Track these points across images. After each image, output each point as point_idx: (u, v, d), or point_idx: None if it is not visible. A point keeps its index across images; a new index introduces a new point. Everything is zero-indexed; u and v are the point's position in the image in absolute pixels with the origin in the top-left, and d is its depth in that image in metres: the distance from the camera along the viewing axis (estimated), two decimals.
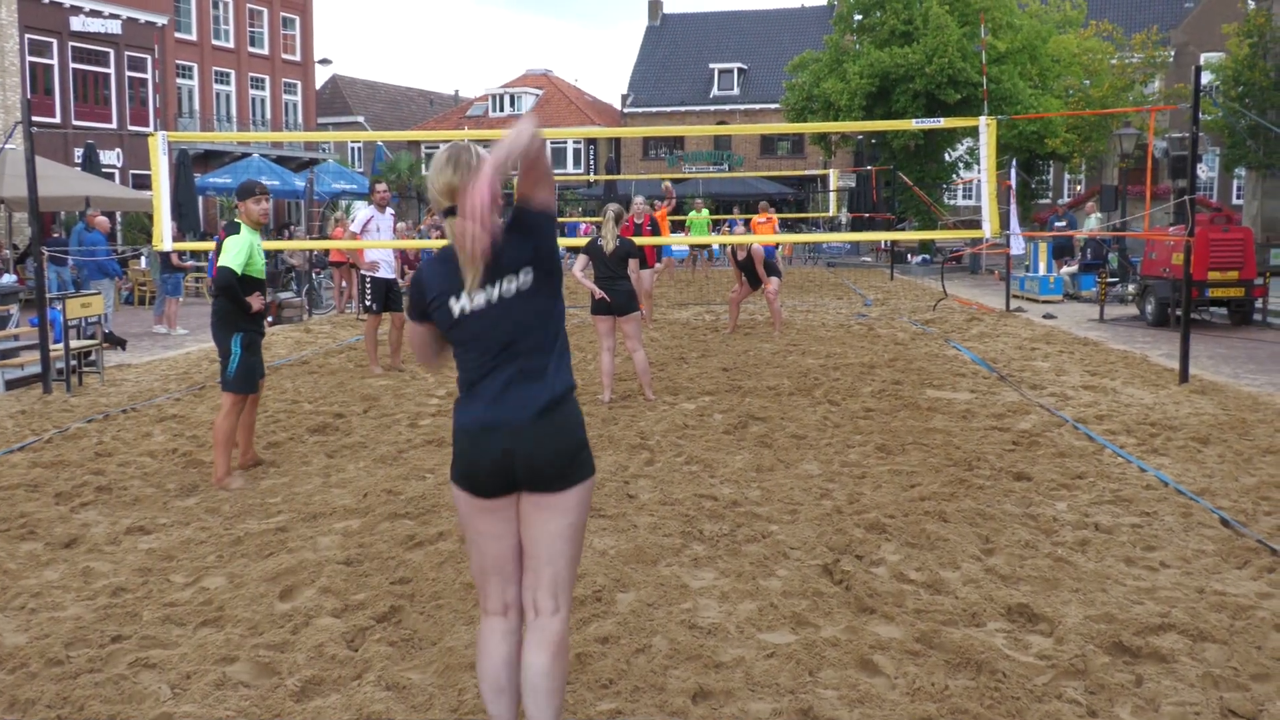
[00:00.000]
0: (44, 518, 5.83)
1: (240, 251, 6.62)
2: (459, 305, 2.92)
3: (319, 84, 50.43)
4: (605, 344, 9.15)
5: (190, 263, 15.56)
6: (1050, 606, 4.38)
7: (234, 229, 6.70)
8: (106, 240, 15.09)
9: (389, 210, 11.53)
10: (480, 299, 2.90)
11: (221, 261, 6.60)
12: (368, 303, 11.35)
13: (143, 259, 20.45)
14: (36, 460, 7.23)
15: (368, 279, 11.40)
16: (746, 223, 29.59)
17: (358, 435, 8.00)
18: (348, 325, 16.05)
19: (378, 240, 11.14)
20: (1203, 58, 37.20)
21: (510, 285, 2.89)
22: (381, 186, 11.54)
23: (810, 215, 41.22)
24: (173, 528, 5.73)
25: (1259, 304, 15.15)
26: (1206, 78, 30.87)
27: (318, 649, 4.02)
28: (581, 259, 9.13)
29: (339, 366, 11.56)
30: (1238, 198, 41.86)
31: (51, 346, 10.17)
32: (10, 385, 10.55)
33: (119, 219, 29.96)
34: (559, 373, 2.95)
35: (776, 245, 12.46)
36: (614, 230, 9.09)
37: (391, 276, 11.50)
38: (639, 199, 14.57)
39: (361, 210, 11.67)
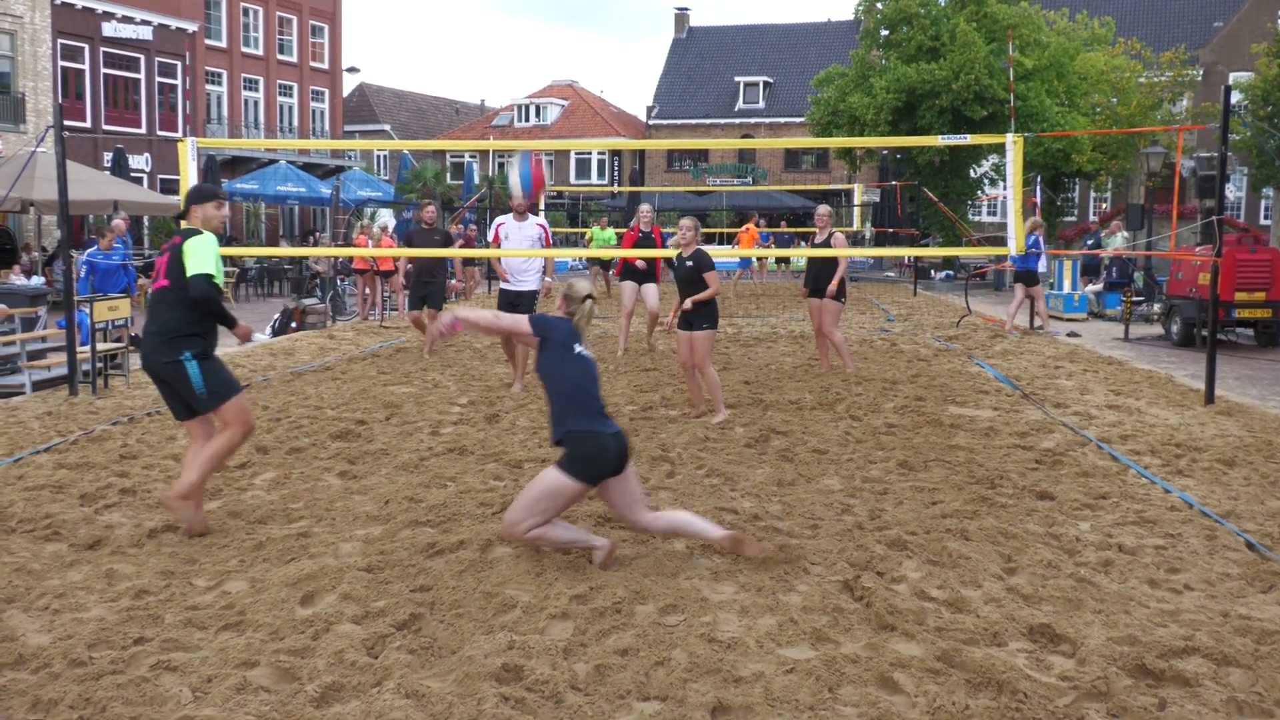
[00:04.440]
0: (69, 519, 5.87)
1: (214, 254, 5.66)
2: None
3: (346, 92, 50.80)
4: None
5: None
6: (1073, 627, 4.35)
7: (192, 234, 5.72)
8: (123, 243, 15.13)
9: (532, 218, 10.56)
10: None
11: (196, 268, 5.57)
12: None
13: None
14: (62, 462, 7.29)
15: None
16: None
17: (380, 442, 8.03)
18: (371, 332, 16.12)
19: (509, 249, 10.44)
20: (1231, 77, 36.98)
21: None
22: (645, 208, 11.06)
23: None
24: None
25: None
26: (1235, 97, 30.68)
27: (338, 655, 4.03)
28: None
29: (361, 373, 11.61)
30: (1266, 218, 41.58)
31: (78, 349, 10.26)
32: (37, 387, 10.65)
33: (145, 223, 30.22)
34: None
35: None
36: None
37: (520, 289, 10.37)
38: (645, 206, 14.55)
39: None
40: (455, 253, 13.11)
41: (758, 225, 26.92)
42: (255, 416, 6.09)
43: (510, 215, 10.54)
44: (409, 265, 14.11)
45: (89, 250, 14.73)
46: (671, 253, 9.47)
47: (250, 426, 5.85)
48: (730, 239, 38.98)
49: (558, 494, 5.03)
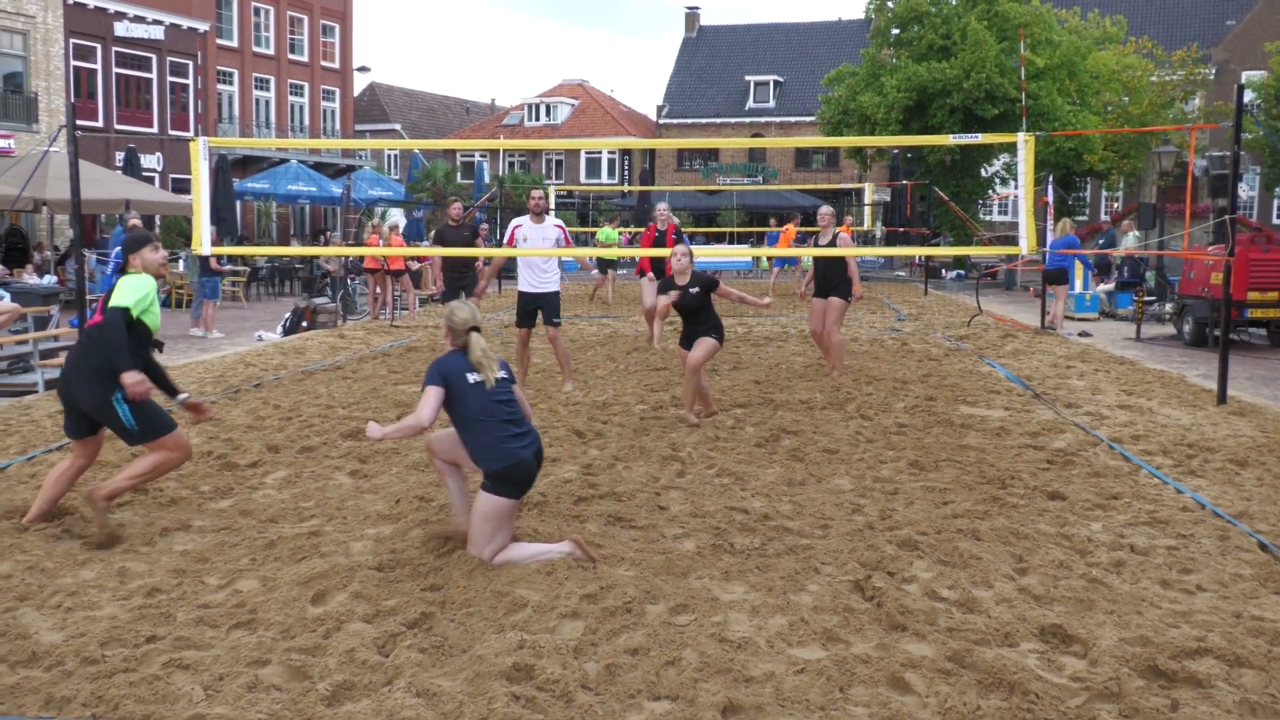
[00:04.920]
0: (81, 517, 5.89)
1: (139, 292, 5.61)
2: None
3: (357, 91, 50.89)
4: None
5: (228, 266, 15.70)
6: (1084, 628, 4.34)
7: (127, 274, 5.73)
8: None
9: (549, 219, 10.51)
10: None
11: (115, 301, 5.53)
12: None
13: (180, 262, 20.67)
14: None
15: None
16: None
17: (389, 442, 8.03)
18: (381, 331, 16.15)
19: (527, 249, 10.32)
20: (1244, 75, 36.86)
21: None
22: (537, 193, 10.65)
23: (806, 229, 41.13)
24: (207, 530, 5.78)
25: None
26: (1248, 96, 30.57)
27: (349, 654, 4.04)
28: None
29: (372, 372, 11.63)
30: (1278, 217, 41.42)
31: None
32: (50, 385, 10.68)
33: (158, 222, 30.31)
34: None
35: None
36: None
37: (541, 290, 10.30)
38: (663, 205, 14.48)
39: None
40: (474, 252, 13.07)
41: (798, 225, 26.71)
42: (189, 447, 5.94)
43: (528, 216, 10.48)
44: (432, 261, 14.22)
45: (118, 249, 14.79)
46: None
47: (188, 453, 5.86)
48: (743, 238, 39.02)
49: (498, 515, 5.08)
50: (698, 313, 8.62)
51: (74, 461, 5.90)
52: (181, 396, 5.92)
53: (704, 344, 8.60)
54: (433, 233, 16.78)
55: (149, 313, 5.70)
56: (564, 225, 10.69)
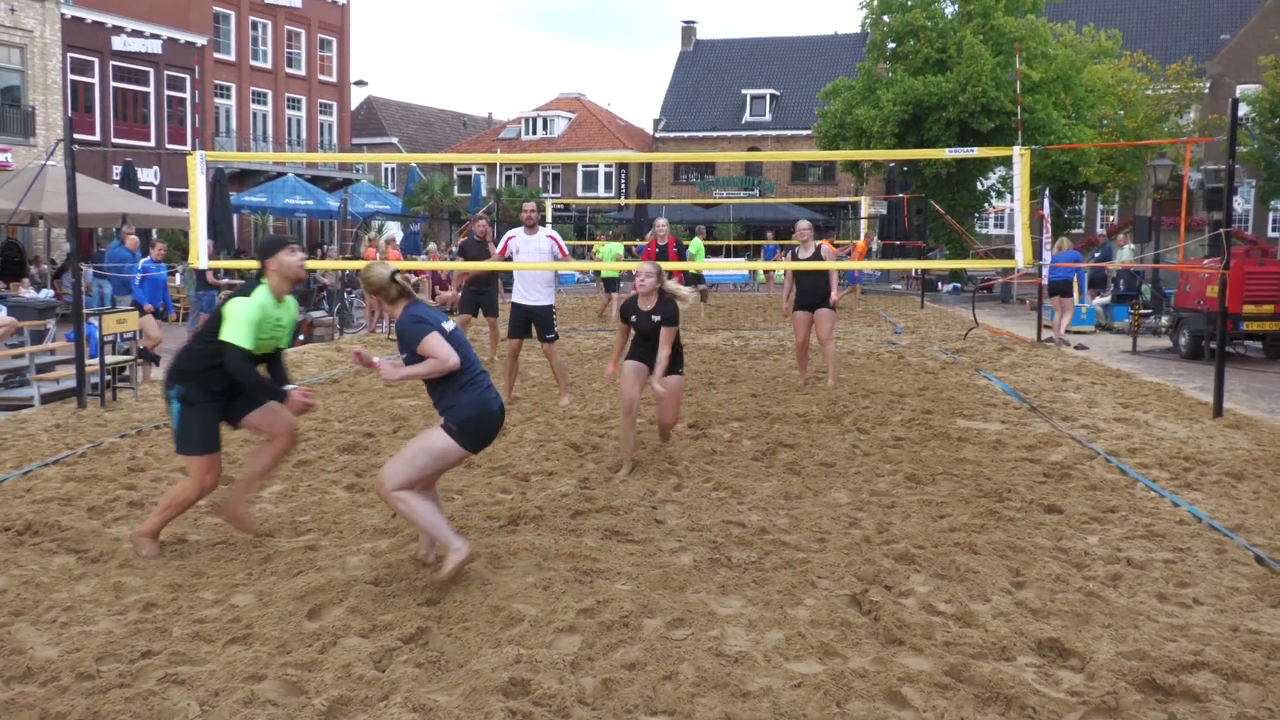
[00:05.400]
0: (77, 531, 5.88)
1: (250, 323, 5.32)
2: None
3: (354, 105, 50.98)
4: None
5: (225, 280, 15.69)
6: (1081, 642, 4.34)
7: (240, 294, 5.43)
8: (134, 258, 15.22)
9: (542, 230, 10.41)
10: None
11: (227, 336, 5.28)
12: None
13: (178, 276, 20.67)
14: (70, 474, 7.30)
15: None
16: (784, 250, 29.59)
17: (387, 455, 8.02)
18: (378, 345, 16.15)
19: (522, 262, 10.24)
20: (1239, 89, 36.99)
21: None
22: (530, 206, 10.51)
23: (841, 242, 41.21)
24: (203, 544, 5.77)
25: None
26: (1243, 110, 30.65)
27: (345, 669, 4.03)
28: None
29: (369, 386, 11.63)
30: (1274, 230, 41.55)
31: (87, 361, 10.28)
32: (46, 399, 10.68)
33: (154, 236, 30.30)
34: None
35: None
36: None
37: (534, 304, 10.24)
38: (661, 220, 14.43)
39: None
40: (488, 266, 12.96)
41: (865, 240, 26.54)
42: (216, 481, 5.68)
43: (521, 229, 10.45)
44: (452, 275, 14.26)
45: (144, 259, 14.81)
46: (692, 266, 9.22)
47: (204, 489, 5.57)
48: (737, 252, 39.05)
49: (441, 456, 4.95)
50: (649, 337, 7.59)
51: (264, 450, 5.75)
52: (288, 388, 5.57)
53: (674, 386, 7.63)
54: (456, 248, 16.74)
55: (268, 336, 5.46)
56: (558, 237, 10.62)
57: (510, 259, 10.47)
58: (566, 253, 10.71)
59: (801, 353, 11.77)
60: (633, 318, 7.57)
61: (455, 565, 4.83)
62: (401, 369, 5.00)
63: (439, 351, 4.90)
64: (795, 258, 11.38)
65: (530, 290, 10.26)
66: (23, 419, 9.49)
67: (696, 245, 24.54)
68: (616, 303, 21.96)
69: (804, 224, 11.52)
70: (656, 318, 7.44)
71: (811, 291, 11.34)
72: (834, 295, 11.27)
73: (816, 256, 11.25)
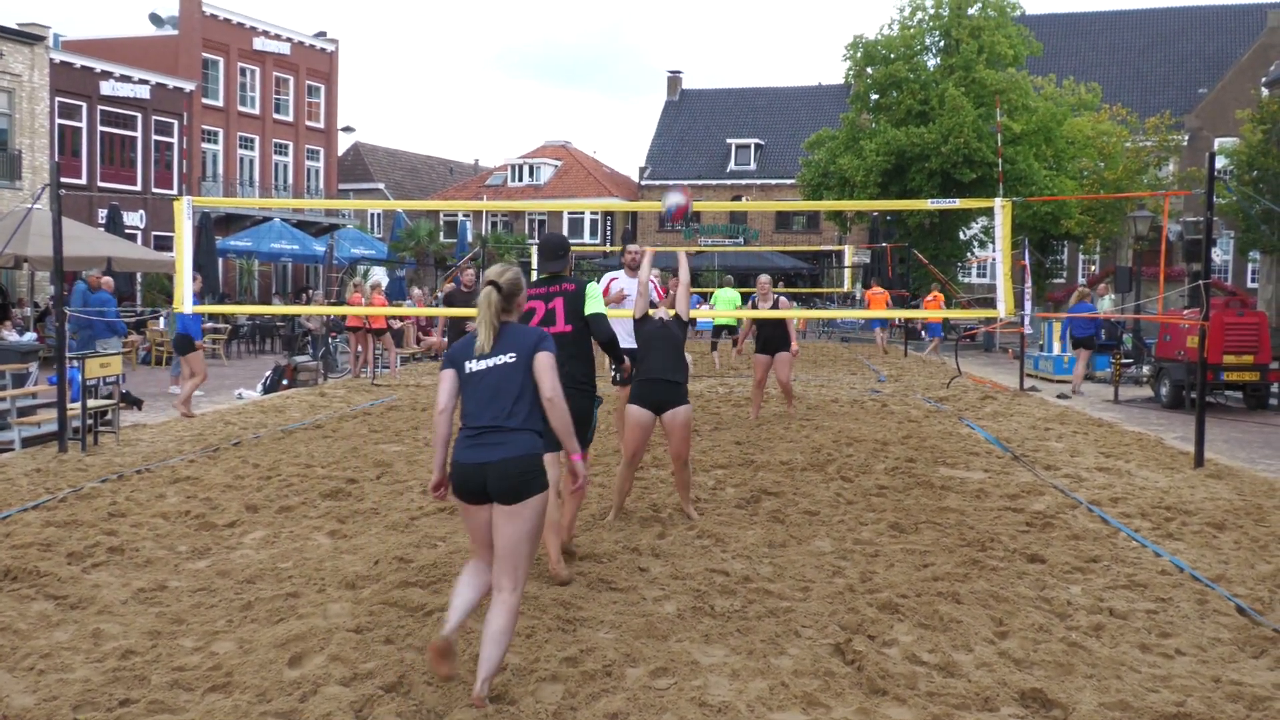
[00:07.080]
0: (56, 577, 5.83)
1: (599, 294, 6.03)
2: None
3: (341, 150, 51.17)
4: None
5: (209, 324, 15.68)
6: (1064, 692, 4.34)
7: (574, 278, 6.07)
8: (113, 300, 15.27)
9: (648, 272, 9.05)
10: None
11: (591, 309, 5.92)
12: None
13: (161, 320, 20.63)
14: (50, 519, 7.25)
15: None
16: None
17: (370, 501, 8.00)
18: (362, 390, 16.12)
19: (623, 309, 9.24)
20: (1216, 143, 37.54)
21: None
22: (634, 247, 9.78)
23: (825, 290, 41.47)
24: (183, 591, 5.73)
25: (1275, 388, 15.13)
26: (1220, 162, 31.08)
27: (326, 717, 4.00)
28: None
29: (353, 431, 11.59)
30: (1252, 281, 41.92)
31: (69, 405, 10.23)
32: (26, 443, 10.61)
33: (139, 279, 30.28)
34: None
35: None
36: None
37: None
38: (634, 246, 14.33)
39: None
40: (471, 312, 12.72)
41: (942, 292, 26.26)
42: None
43: (622, 271, 9.79)
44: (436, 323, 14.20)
45: (77, 287, 15.06)
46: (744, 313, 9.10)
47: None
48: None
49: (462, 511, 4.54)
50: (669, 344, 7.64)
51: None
52: (613, 367, 6.30)
53: (684, 418, 7.46)
54: (442, 295, 16.59)
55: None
56: (656, 280, 10.04)
57: (618, 304, 9.56)
58: (664, 293, 10.18)
59: (756, 392, 12.84)
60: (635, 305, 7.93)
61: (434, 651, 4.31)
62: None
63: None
64: (755, 308, 12.66)
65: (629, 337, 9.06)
66: (3, 463, 9.43)
67: (730, 296, 21.53)
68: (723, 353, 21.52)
69: (764, 278, 12.77)
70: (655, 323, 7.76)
71: (770, 339, 12.46)
72: (794, 345, 12.41)
73: (775, 307, 12.46)
